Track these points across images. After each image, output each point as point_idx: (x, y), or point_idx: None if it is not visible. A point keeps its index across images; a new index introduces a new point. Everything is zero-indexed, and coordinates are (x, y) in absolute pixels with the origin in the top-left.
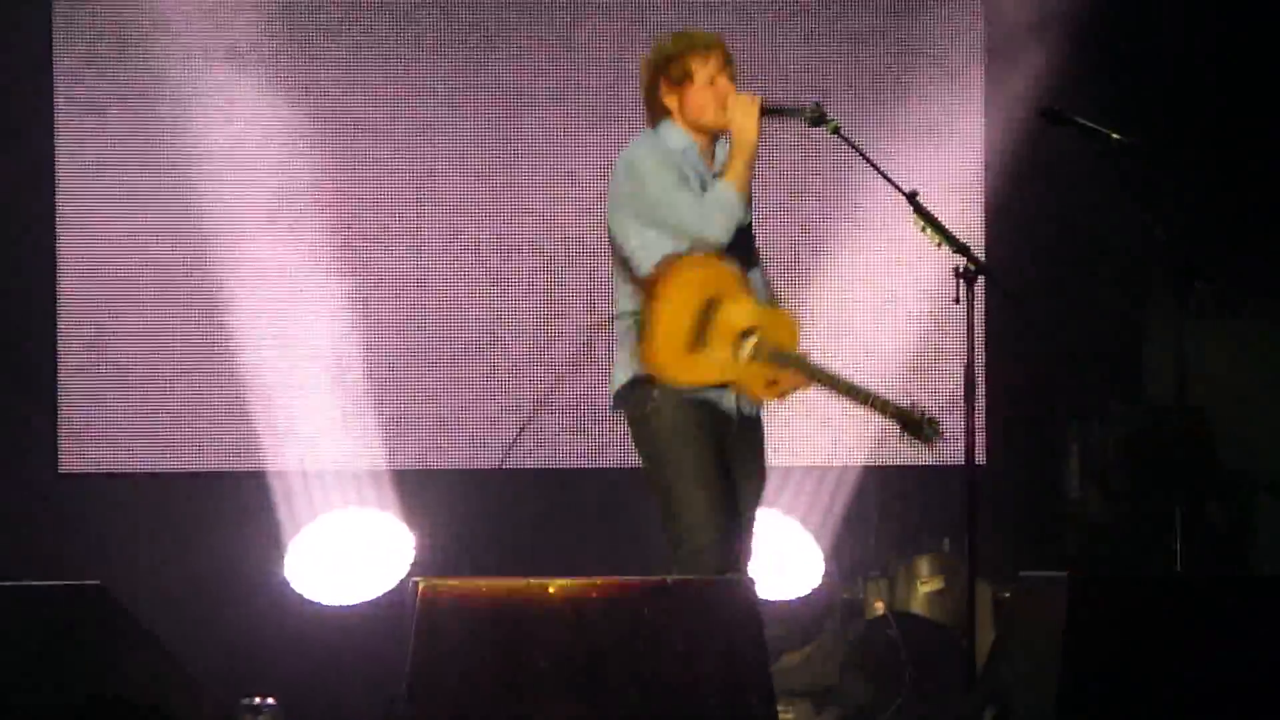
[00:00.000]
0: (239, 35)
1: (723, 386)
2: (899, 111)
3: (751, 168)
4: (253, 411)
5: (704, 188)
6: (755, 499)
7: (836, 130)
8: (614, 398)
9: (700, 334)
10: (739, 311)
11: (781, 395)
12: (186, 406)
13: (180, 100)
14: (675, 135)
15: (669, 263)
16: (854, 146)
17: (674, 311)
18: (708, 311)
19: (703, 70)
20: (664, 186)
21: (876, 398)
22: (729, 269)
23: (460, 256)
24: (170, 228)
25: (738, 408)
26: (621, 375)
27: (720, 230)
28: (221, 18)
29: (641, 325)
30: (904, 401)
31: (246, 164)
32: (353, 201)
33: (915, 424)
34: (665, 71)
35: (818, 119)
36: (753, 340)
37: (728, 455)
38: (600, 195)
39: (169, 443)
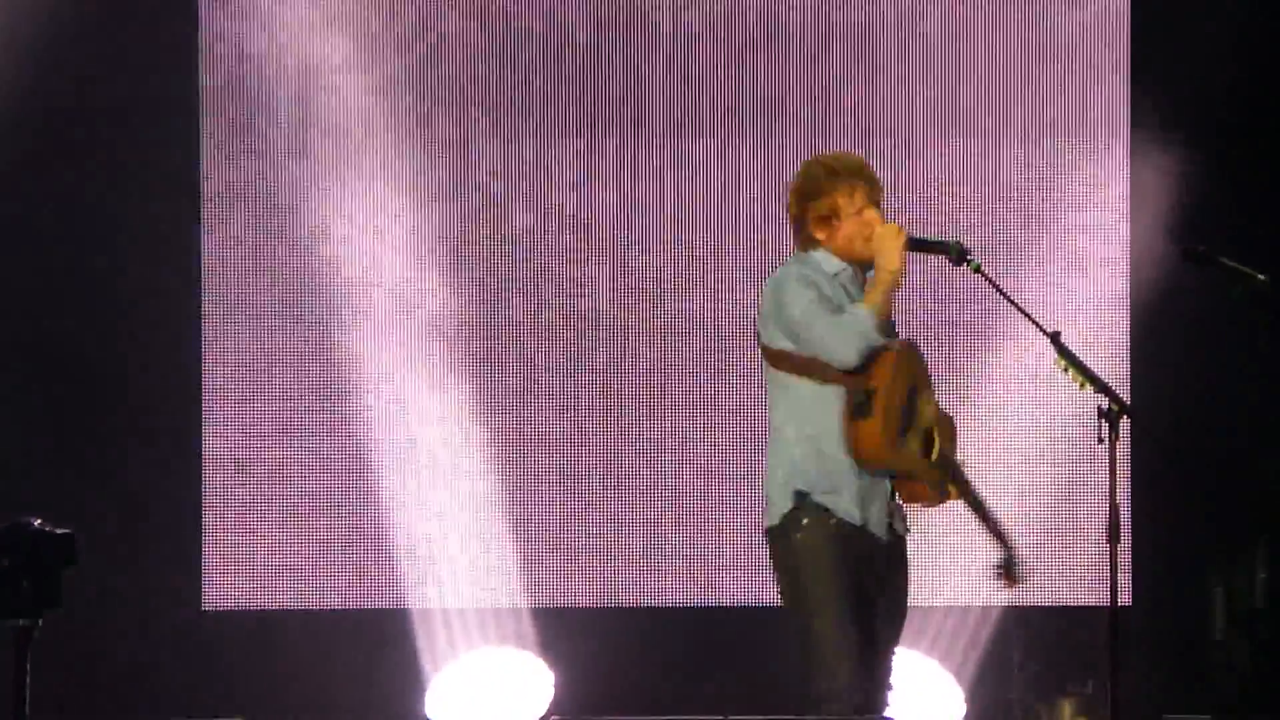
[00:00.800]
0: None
1: (884, 509)
2: (1044, 247)
3: (890, 297)
4: (395, 548)
5: None
6: (899, 625)
7: (979, 270)
8: (772, 524)
9: (907, 422)
10: (927, 407)
11: (939, 502)
12: (329, 543)
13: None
14: (828, 261)
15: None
16: (996, 286)
17: (890, 394)
18: (913, 399)
19: (849, 205)
20: (803, 306)
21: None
22: (918, 359)
23: (597, 382)
24: (312, 357)
25: (889, 525)
26: (779, 499)
27: (853, 352)
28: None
29: (863, 402)
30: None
31: (383, 281)
32: (482, 323)
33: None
34: (813, 206)
35: (960, 256)
36: (934, 437)
37: (871, 582)
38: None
39: (311, 579)
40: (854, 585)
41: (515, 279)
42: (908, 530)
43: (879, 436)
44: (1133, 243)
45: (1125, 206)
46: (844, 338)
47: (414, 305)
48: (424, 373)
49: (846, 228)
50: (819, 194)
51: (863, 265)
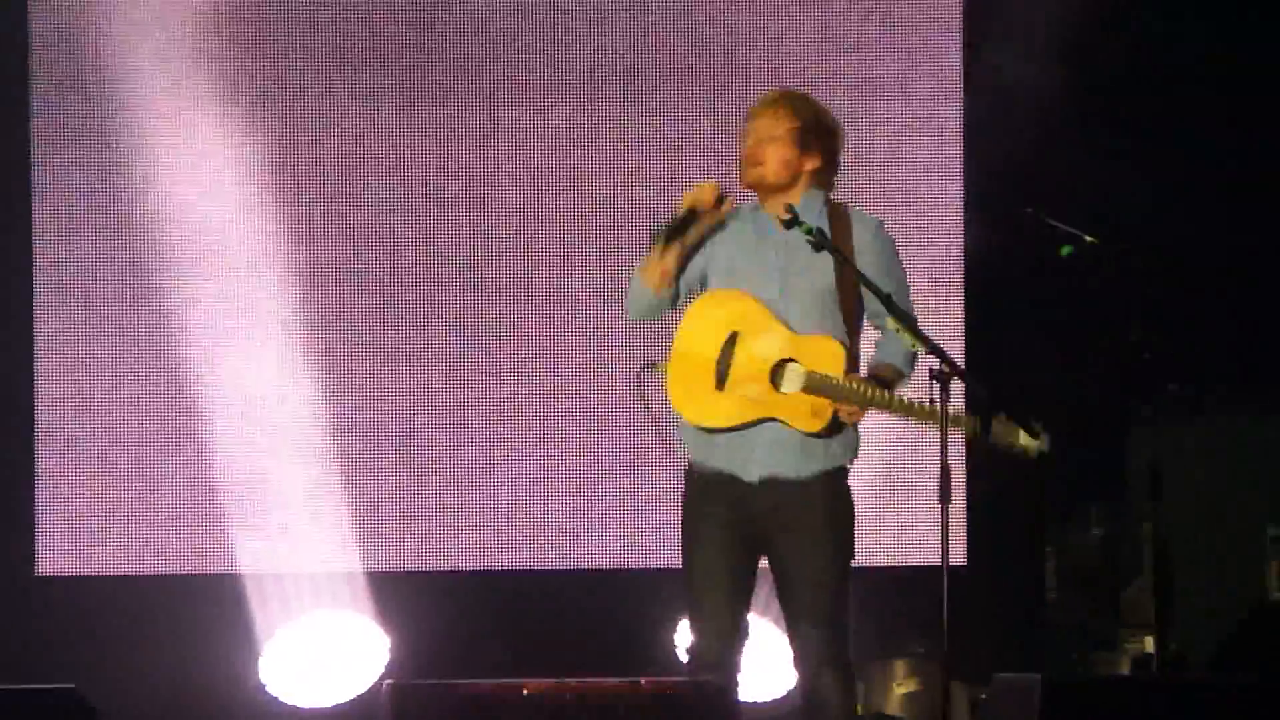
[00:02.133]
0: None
1: (743, 447)
2: (878, 205)
3: (659, 253)
4: (227, 513)
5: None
6: (805, 578)
7: (810, 232)
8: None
9: (723, 372)
10: (768, 343)
11: (829, 427)
12: (162, 508)
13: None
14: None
15: (693, 303)
16: (827, 246)
17: (695, 353)
18: (729, 348)
19: (747, 123)
20: None
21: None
22: (751, 303)
23: (436, 339)
24: (146, 328)
25: (763, 475)
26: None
27: (631, 312)
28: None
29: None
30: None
31: (220, 245)
32: (321, 279)
33: (1005, 430)
34: None
35: (790, 223)
36: (795, 368)
37: (760, 535)
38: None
39: (145, 545)
40: (721, 534)
41: (362, 231)
42: (799, 473)
43: (676, 401)
44: (966, 204)
45: (959, 167)
46: (629, 301)
47: (250, 262)
48: (260, 332)
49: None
50: None
51: (769, 192)
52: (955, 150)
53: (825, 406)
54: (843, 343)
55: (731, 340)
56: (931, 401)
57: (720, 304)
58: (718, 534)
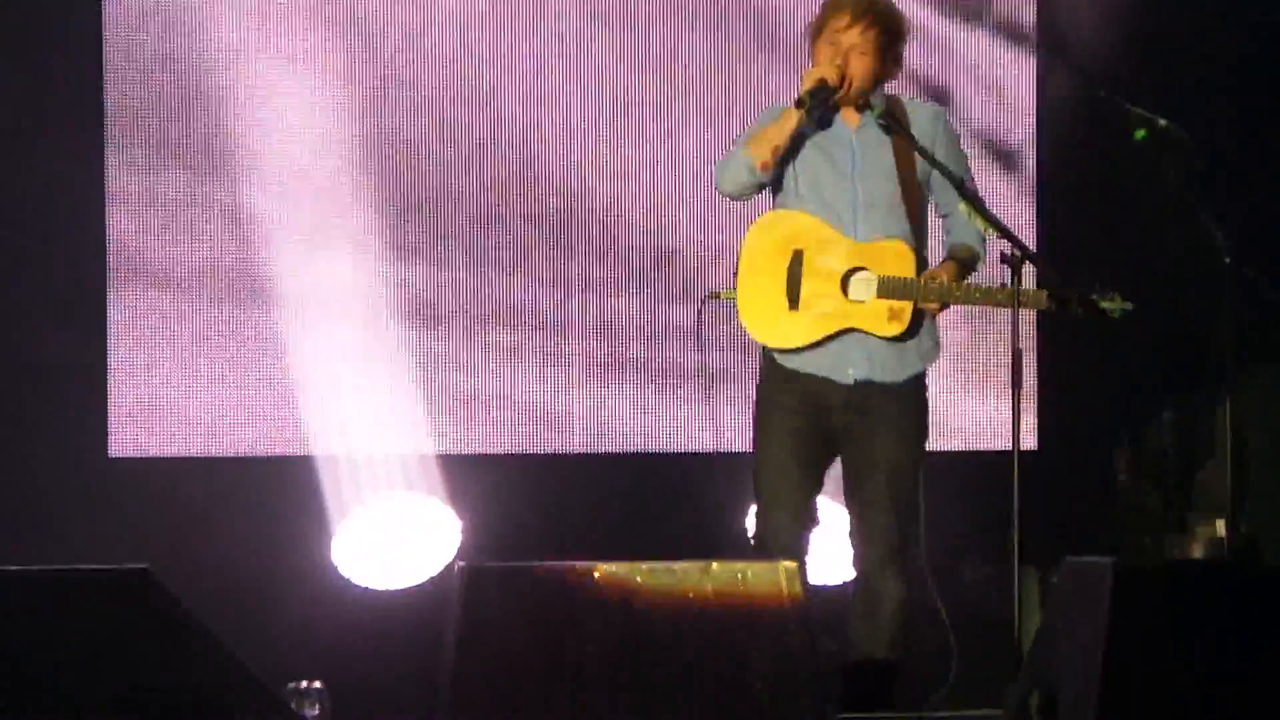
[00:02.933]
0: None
1: (837, 350)
2: (949, 87)
3: (778, 131)
4: (300, 395)
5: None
6: (882, 478)
7: (882, 116)
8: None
9: (795, 291)
10: (834, 256)
11: (909, 329)
12: (235, 391)
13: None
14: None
15: (751, 228)
16: (900, 130)
17: (761, 278)
18: (795, 267)
19: (825, 27)
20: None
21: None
22: (808, 219)
23: (508, 229)
24: (214, 212)
25: (858, 378)
26: None
27: (722, 185)
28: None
29: (734, 302)
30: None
31: (292, 139)
32: (394, 174)
33: (1084, 300)
34: (812, 25)
35: (863, 106)
36: (863, 275)
37: (840, 433)
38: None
39: (217, 427)
40: (798, 431)
41: (436, 122)
42: (893, 377)
43: (754, 331)
44: (1039, 86)
45: (1033, 48)
46: (720, 170)
47: (322, 148)
48: (330, 213)
49: (816, 49)
50: (820, 12)
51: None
52: (1028, 24)
53: (902, 308)
54: (908, 242)
55: (798, 258)
56: (1003, 285)
57: (779, 223)
58: (798, 424)
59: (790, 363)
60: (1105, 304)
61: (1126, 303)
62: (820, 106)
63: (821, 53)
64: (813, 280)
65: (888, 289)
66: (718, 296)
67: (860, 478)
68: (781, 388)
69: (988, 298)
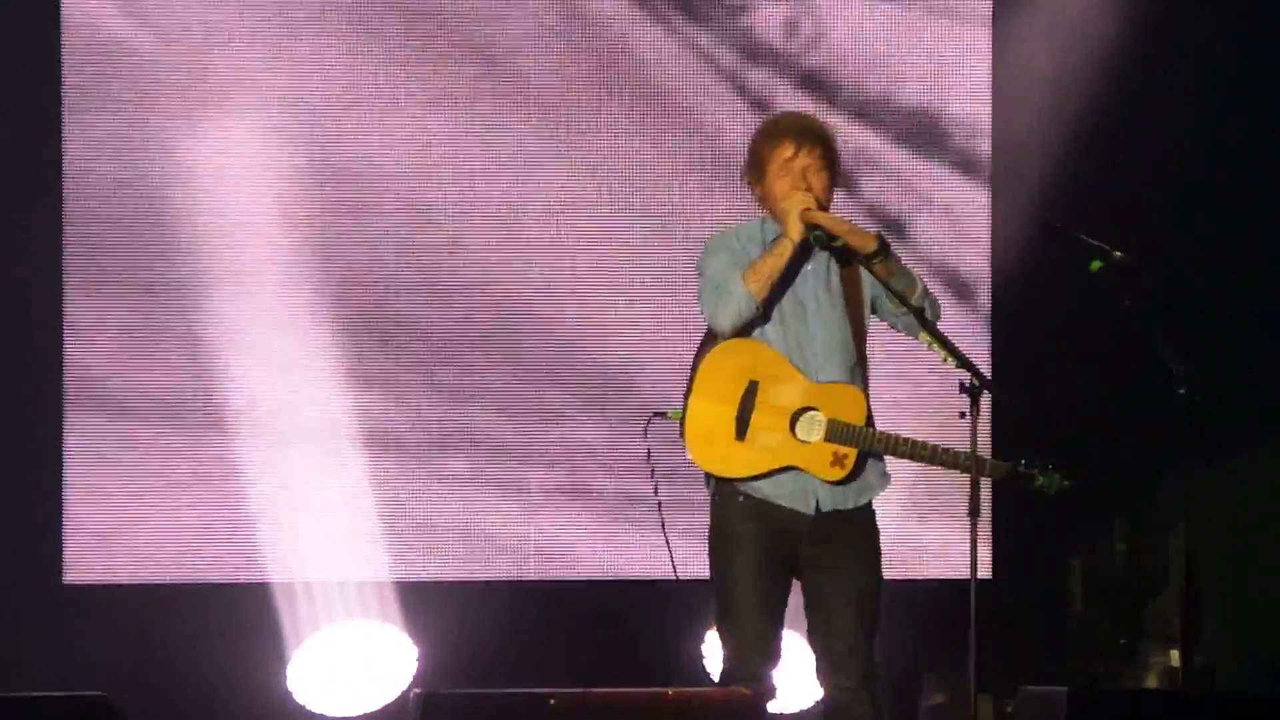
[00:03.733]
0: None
1: (795, 479)
2: (906, 224)
3: (776, 263)
4: (256, 522)
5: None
6: (851, 606)
7: (838, 244)
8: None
9: (744, 422)
10: (787, 391)
11: (850, 475)
12: (190, 519)
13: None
14: (768, 227)
15: (704, 349)
16: (863, 261)
17: (713, 402)
18: (749, 398)
19: (773, 162)
20: (703, 271)
21: (975, 459)
22: (767, 351)
23: (465, 354)
24: (174, 339)
25: (818, 505)
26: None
27: (719, 320)
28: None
29: (682, 422)
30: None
31: (249, 271)
32: (351, 301)
33: (1025, 475)
34: (749, 162)
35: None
36: (812, 415)
37: (803, 561)
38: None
39: (173, 555)
40: (763, 556)
41: (393, 245)
42: (852, 503)
43: (695, 454)
44: (993, 219)
45: (987, 184)
46: (715, 304)
47: (279, 271)
48: (290, 344)
49: (770, 184)
50: (752, 150)
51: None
52: (983, 156)
53: (847, 454)
54: (860, 388)
55: (752, 389)
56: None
57: (740, 350)
58: (760, 557)
59: (754, 492)
60: (1041, 482)
61: (1065, 481)
62: (828, 241)
63: (779, 184)
64: (763, 414)
65: (835, 434)
66: (665, 415)
67: (829, 606)
68: (745, 519)
69: (936, 458)
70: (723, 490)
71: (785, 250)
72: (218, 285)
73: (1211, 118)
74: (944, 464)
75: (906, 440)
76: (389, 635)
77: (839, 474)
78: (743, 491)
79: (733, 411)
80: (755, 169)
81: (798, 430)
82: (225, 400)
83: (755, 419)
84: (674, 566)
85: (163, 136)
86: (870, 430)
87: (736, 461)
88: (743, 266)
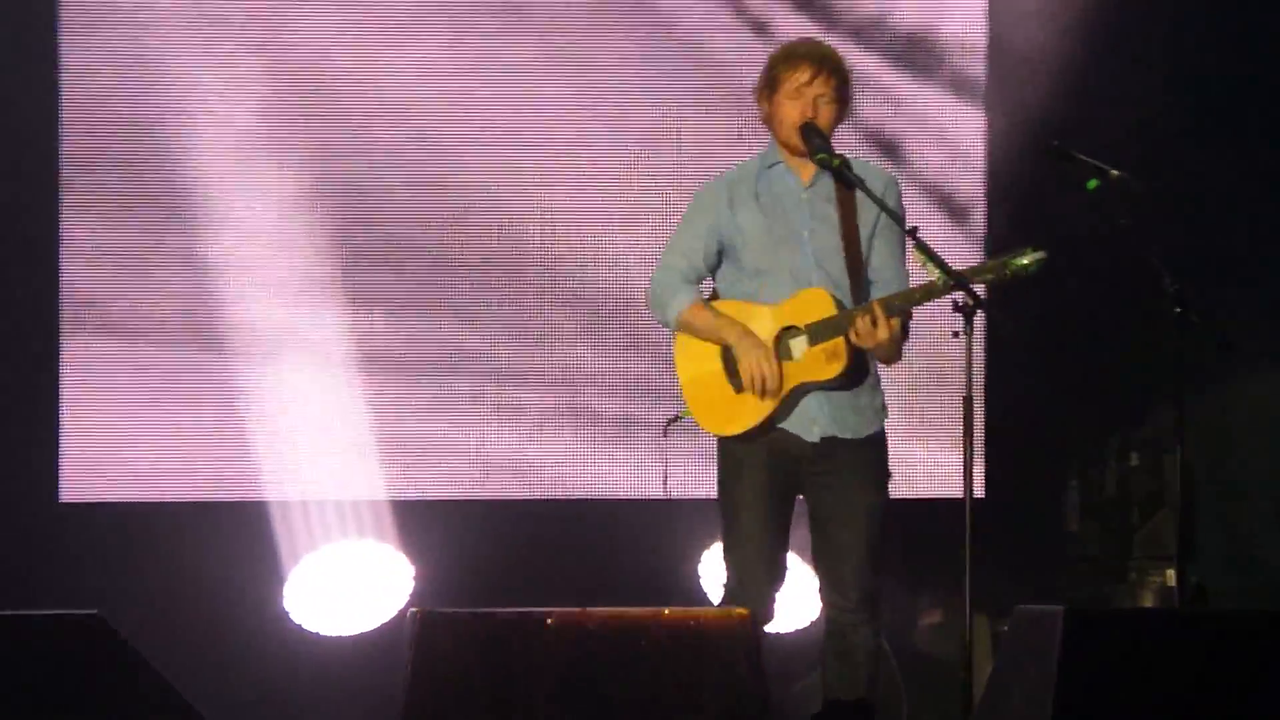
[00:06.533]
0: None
1: (804, 412)
2: (900, 137)
3: (708, 336)
4: (253, 440)
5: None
6: (853, 528)
7: (837, 167)
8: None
9: (735, 372)
10: (758, 327)
11: (851, 366)
12: (187, 436)
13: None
14: (764, 155)
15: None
16: (857, 183)
17: (701, 370)
18: (729, 350)
19: (787, 81)
20: (685, 218)
21: (955, 273)
22: (723, 302)
23: (463, 276)
24: (168, 260)
25: (823, 435)
26: None
27: (651, 309)
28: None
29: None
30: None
31: (248, 188)
32: (350, 221)
33: (1003, 265)
34: (762, 78)
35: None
36: (793, 332)
37: (806, 481)
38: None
39: (169, 473)
40: (768, 488)
41: (394, 167)
42: (855, 432)
43: (714, 429)
44: (990, 137)
45: (982, 105)
46: (654, 301)
47: (278, 190)
48: (286, 261)
49: (780, 104)
50: (768, 68)
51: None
52: (978, 77)
53: (837, 346)
54: (822, 287)
55: (726, 345)
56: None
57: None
58: (767, 481)
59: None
60: (1017, 262)
61: (1038, 251)
62: (822, 148)
63: (788, 107)
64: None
65: (818, 334)
66: (678, 419)
67: (832, 526)
68: (748, 444)
69: (920, 298)
70: None
71: (722, 339)
72: (216, 203)
73: (1209, 40)
74: (932, 297)
75: (883, 300)
76: (386, 554)
77: (839, 366)
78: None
79: (719, 368)
80: (768, 86)
81: (787, 353)
82: (223, 318)
83: (742, 364)
84: (665, 484)
85: (162, 53)
86: (848, 311)
87: (747, 412)
88: (726, 227)
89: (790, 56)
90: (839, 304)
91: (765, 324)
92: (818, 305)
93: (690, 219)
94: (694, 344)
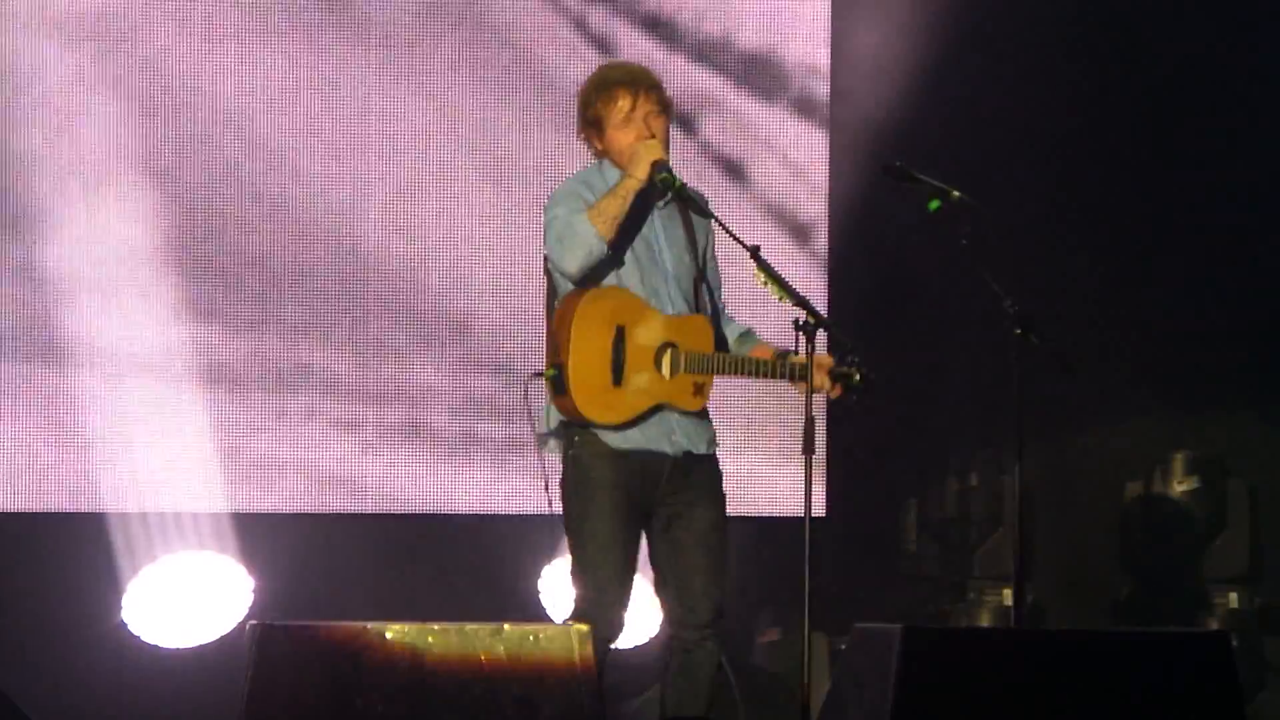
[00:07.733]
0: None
1: (660, 421)
2: (745, 167)
3: (622, 203)
4: (92, 452)
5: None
6: (704, 545)
7: (681, 189)
8: (545, 438)
9: (619, 367)
10: (648, 331)
11: (706, 402)
12: (25, 446)
13: None
14: (611, 171)
15: (569, 302)
16: (695, 203)
17: (589, 352)
18: (619, 343)
19: (614, 114)
20: (554, 214)
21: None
22: (627, 295)
23: (301, 290)
24: (8, 267)
25: (682, 449)
26: (554, 416)
27: (566, 262)
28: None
29: (555, 377)
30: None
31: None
32: (189, 234)
33: (848, 375)
34: (583, 115)
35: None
36: (673, 350)
37: (660, 506)
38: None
39: (5, 484)
40: (627, 506)
41: (234, 178)
42: (706, 449)
43: (583, 407)
44: (831, 162)
45: (825, 126)
46: (562, 247)
47: (118, 201)
48: (127, 272)
49: (613, 137)
50: (585, 106)
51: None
52: (821, 98)
53: (705, 383)
54: (708, 317)
55: (620, 334)
56: (796, 351)
57: (604, 297)
58: (623, 501)
59: (618, 441)
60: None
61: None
62: (664, 168)
63: (622, 136)
64: (633, 355)
65: (694, 364)
66: (541, 375)
67: (682, 546)
68: (607, 464)
69: (776, 373)
70: (584, 437)
71: (630, 189)
72: (53, 214)
73: (1052, 57)
74: (783, 376)
75: (750, 359)
76: (225, 566)
77: (700, 402)
78: (604, 440)
79: (608, 358)
80: (592, 125)
81: (661, 367)
82: (62, 331)
83: (628, 361)
84: (546, 489)
85: (14, 66)
86: (721, 355)
87: (619, 406)
88: (577, 210)
89: (602, 87)
90: (717, 340)
91: (654, 329)
92: (701, 335)
93: (561, 202)
94: (592, 329)
